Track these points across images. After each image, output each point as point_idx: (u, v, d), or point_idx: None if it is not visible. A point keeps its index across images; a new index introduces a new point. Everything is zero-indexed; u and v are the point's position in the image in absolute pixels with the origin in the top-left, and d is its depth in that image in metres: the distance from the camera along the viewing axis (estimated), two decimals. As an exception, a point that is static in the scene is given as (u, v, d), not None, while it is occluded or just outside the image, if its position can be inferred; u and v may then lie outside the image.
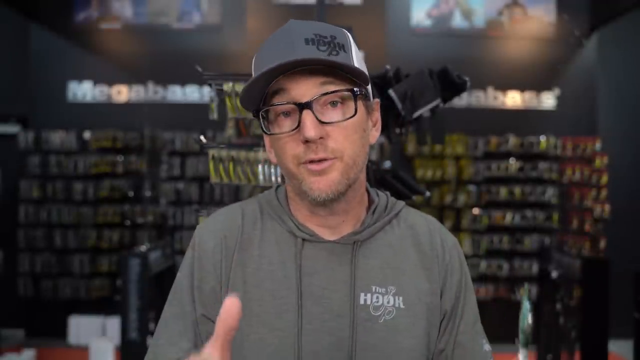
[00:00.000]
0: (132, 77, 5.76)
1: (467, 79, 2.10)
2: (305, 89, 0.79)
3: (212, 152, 1.91)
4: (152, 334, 3.45)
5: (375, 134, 0.90)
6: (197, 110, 5.16)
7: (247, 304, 0.85)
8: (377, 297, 0.86)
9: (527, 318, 0.92)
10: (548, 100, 5.78)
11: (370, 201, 0.93)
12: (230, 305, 0.58)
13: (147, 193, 5.59)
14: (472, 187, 5.58)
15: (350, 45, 0.84)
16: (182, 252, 4.82)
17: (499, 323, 3.71)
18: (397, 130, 2.17)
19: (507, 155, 5.61)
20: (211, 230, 0.91)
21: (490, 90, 5.76)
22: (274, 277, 0.86)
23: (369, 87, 0.87)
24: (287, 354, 0.82)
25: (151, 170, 5.60)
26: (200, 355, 0.57)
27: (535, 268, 5.34)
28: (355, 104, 0.81)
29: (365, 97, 0.85)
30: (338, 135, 0.80)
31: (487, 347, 0.93)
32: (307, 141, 0.79)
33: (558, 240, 5.54)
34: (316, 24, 0.84)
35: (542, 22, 5.84)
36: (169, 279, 3.88)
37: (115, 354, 4.33)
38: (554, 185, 5.58)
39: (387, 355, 0.84)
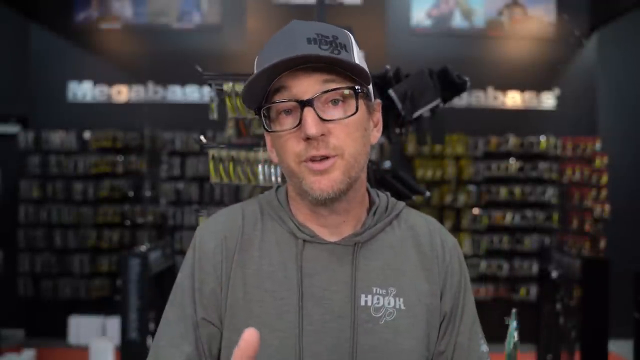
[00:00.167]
0: (132, 77, 5.76)
1: (467, 79, 2.10)
2: (306, 86, 0.80)
3: (212, 152, 1.91)
4: (152, 334, 3.46)
5: (376, 135, 0.90)
6: (197, 110, 5.16)
7: (247, 305, 0.85)
8: (378, 299, 0.86)
9: (512, 342, 0.92)
10: (548, 100, 5.78)
11: (371, 202, 0.93)
12: (249, 336, 0.58)
13: (147, 193, 5.59)
14: (472, 187, 5.58)
15: (352, 46, 0.84)
16: (182, 252, 4.83)
17: (499, 323, 3.70)
18: (397, 130, 2.17)
19: (507, 155, 5.61)
20: (211, 231, 0.91)
21: (490, 90, 5.76)
22: (274, 278, 0.86)
23: (371, 87, 0.87)
24: (288, 355, 0.82)
25: (151, 170, 5.60)
26: None
27: (535, 268, 5.34)
28: (357, 102, 0.81)
29: (367, 97, 0.86)
30: (339, 133, 0.81)
31: (484, 347, 0.94)
32: (308, 138, 0.79)
33: (558, 240, 5.54)
34: (318, 24, 0.84)
35: (542, 22, 5.84)
36: (169, 279, 3.88)
37: (115, 354, 4.33)
38: (554, 185, 5.58)
39: (388, 357, 0.84)
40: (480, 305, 0.95)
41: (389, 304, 0.86)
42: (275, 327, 0.83)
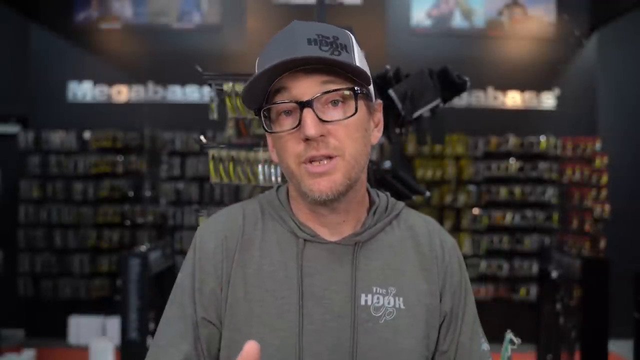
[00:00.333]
0: (132, 77, 5.76)
1: (467, 79, 2.10)
2: (306, 87, 0.80)
3: (212, 152, 1.91)
4: (152, 334, 3.46)
5: (377, 135, 0.90)
6: (197, 110, 5.16)
7: (248, 305, 0.85)
8: (378, 298, 0.86)
9: (506, 355, 0.93)
10: (548, 100, 5.78)
11: (371, 202, 0.94)
12: (250, 348, 0.60)
13: (147, 193, 5.59)
14: (472, 187, 5.58)
15: (353, 46, 0.84)
16: (182, 252, 4.83)
17: (498, 323, 3.70)
18: (397, 130, 2.16)
19: (507, 155, 5.61)
20: (212, 231, 0.91)
21: (490, 90, 5.76)
22: (275, 277, 0.86)
23: (371, 87, 0.87)
24: (288, 355, 0.82)
25: (151, 170, 5.60)
26: None
27: (535, 268, 5.34)
28: (356, 103, 0.82)
29: (367, 97, 0.86)
30: (339, 134, 0.81)
31: (485, 346, 0.94)
32: (307, 139, 0.79)
33: (558, 240, 5.54)
34: (319, 24, 0.84)
35: (542, 22, 5.84)
36: (169, 279, 3.88)
37: (115, 354, 4.33)
38: (554, 185, 5.58)
39: (388, 356, 0.84)
40: (480, 305, 0.95)
41: (388, 303, 0.86)
42: (275, 327, 0.83)
